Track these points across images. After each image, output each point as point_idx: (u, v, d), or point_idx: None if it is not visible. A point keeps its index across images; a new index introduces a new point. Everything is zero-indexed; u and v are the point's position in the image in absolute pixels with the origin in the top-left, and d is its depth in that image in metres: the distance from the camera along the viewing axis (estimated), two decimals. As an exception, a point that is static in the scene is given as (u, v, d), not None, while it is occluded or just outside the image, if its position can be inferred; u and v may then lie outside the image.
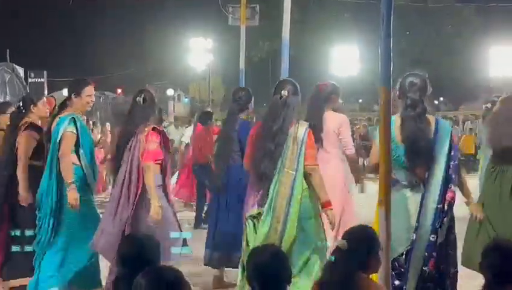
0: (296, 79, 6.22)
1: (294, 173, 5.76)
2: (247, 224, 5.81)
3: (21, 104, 7.44)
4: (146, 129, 6.42)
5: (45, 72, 21.67)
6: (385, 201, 4.78)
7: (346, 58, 35.44)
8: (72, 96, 6.75)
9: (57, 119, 6.69)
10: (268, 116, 5.90)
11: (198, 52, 36.91)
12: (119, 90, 45.19)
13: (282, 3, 11.03)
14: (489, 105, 9.28)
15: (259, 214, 5.76)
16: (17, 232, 6.51)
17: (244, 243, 5.82)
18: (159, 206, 6.23)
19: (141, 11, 47.61)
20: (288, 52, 11.43)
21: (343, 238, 4.08)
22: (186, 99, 44.58)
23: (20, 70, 20.05)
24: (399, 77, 5.76)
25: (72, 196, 6.43)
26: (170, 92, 45.65)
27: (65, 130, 6.57)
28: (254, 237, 5.74)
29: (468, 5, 39.81)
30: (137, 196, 6.33)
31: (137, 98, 6.59)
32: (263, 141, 5.84)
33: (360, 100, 48.53)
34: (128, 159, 6.41)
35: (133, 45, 46.65)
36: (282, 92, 5.86)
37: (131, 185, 6.35)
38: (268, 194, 5.76)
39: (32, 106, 7.36)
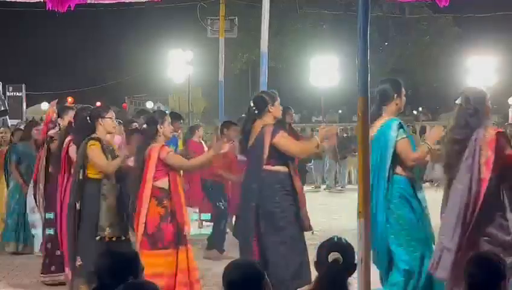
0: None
1: None
2: None
3: None
4: (489, 134, 5.67)
5: (23, 86, 21.57)
6: (364, 212, 4.79)
7: (325, 69, 35.43)
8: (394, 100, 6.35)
9: (379, 124, 6.18)
10: None
11: (178, 64, 36.79)
12: (98, 104, 45.02)
13: (261, 16, 11.04)
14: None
15: None
16: None
17: None
18: None
19: (119, 24, 47.50)
20: (267, 64, 11.43)
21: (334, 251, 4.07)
22: (166, 112, 44.52)
23: (-2, 85, 19.99)
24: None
25: None
26: (150, 104, 45.49)
27: (401, 137, 6.16)
28: None
29: (446, 15, 40.02)
30: (476, 214, 5.51)
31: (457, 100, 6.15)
32: None
33: (340, 111, 48.58)
34: (470, 171, 5.55)
35: (111, 58, 46.52)
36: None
37: (469, 202, 5.51)
38: None
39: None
